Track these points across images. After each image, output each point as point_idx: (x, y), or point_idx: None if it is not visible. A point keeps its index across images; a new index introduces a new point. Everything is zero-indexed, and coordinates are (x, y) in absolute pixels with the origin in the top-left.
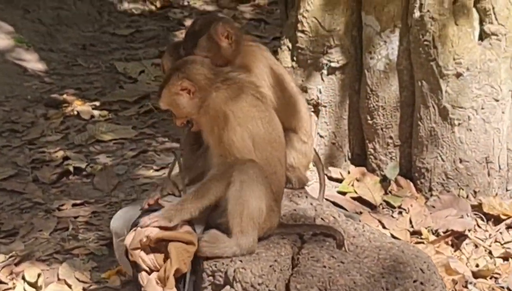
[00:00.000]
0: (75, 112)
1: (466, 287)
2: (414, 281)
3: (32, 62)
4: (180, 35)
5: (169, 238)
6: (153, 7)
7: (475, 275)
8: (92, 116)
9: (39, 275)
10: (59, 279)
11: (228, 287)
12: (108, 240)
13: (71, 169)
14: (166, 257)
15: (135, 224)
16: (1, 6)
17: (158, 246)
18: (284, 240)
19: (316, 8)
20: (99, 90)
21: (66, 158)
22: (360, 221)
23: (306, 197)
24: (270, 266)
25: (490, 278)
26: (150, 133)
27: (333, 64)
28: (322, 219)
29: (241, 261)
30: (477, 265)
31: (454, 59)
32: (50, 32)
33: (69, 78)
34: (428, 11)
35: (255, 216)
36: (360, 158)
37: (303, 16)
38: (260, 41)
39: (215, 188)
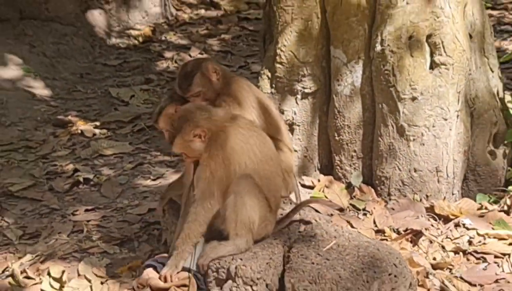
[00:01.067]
0: (79, 131)
1: (427, 277)
2: (389, 274)
3: (39, 89)
4: (161, 64)
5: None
6: (136, 42)
7: (434, 267)
8: (94, 134)
9: (63, 272)
10: (79, 275)
11: (230, 281)
12: (118, 240)
13: (81, 179)
14: None
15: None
16: (11, 42)
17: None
18: (277, 240)
19: (292, 43)
20: (97, 112)
21: (75, 170)
22: (331, 222)
23: (290, 203)
24: (267, 263)
25: (446, 269)
26: (144, 149)
27: (306, 90)
28: (305, 222)
29: (241, 259)
30: (434, 258)
31: (410, 85)
32: (52, 63)
33: (71, 102)
34: (388, 45)
35: (246, 223)
36: (327, 168)
37: (281, 50)
38: (229, 69)
39: (198, 222)
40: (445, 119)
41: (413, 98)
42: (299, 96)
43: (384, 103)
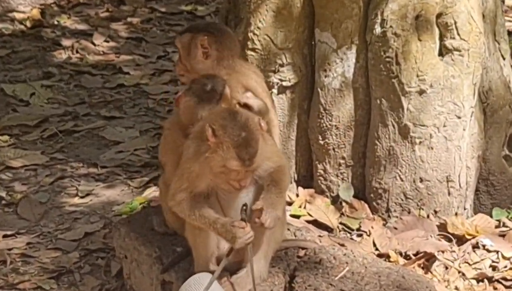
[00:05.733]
0: None
1: None
2: None
3: None
4: (59, 55)
5: None
6: (23, 27)
7: None
8: None
9: None
10: None
11: None
12: (54, 272)
13: None
14: None
15: None
16: None
17: None
18: (275, 268)
19: (268, 24)
20: None
21: None
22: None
23: None
24: None
25: None
26: (61, 159)
27: (284, 83)
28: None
29: None
30: (456, 288)
31: (417, 76)
32: None
33: None
34: (391, 26)
35: None
36: (305, 180)
37: (254, 34)
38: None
39: None
40: (459, 118)
41: (421, 92)
42: (275, 91)
43: (383, 98)
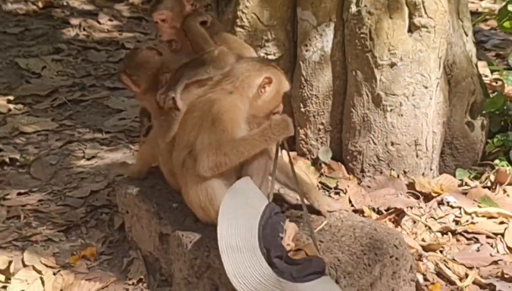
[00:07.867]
0: None
1: (420, 260)
2: (391, 257)
3: None
4: (68, 32)
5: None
6: (35, 7)
7: (425, 249)
8: (9, 109)
9: (10, 262)
10: (25, 265)
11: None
12: (63, 226)
13: (6, 159)
14: None
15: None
16: None
17: None
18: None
19: (255, 4)
20: (7, 85)
21: None
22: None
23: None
24: None
25: (437, 251)
26: (70, 125)
27: (270, 57)
28: (286, 202)
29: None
30: (423, 240)
31: (389, 50)
32: None
33: None
34: (365, 5)
35: None
36: (288, 143)
37: (243, 12)
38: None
39: None
40: (426, 88)
41: (392, 64)
42: None
43: (358, 70)
